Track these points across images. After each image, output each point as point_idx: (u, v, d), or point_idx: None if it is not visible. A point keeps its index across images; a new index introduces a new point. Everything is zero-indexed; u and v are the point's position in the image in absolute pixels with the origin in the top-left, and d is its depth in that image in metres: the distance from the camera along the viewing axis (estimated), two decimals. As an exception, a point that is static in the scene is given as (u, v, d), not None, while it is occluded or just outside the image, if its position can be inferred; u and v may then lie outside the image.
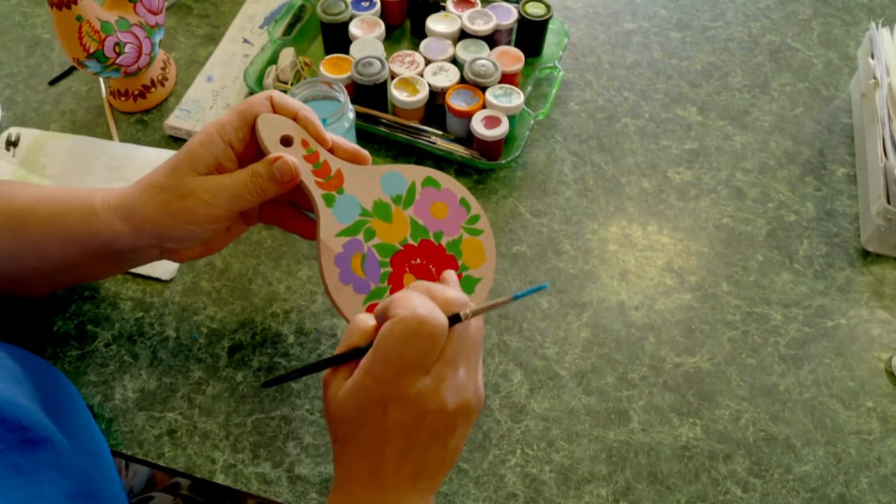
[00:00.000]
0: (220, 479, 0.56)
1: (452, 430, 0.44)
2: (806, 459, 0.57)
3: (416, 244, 0.54)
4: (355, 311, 0.52)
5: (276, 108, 0.51)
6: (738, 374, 0.61)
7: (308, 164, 0.52)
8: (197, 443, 0.57)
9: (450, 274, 0.50)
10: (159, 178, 0.50)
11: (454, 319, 0.43)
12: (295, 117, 0.52)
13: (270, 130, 0.51)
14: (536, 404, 0.59)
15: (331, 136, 0.53)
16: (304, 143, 0.52)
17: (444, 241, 0.54)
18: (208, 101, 0.76)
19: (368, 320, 0.45)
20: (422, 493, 0.44)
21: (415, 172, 0.54)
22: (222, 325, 0.63)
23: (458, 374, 0.43)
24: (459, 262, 0.54)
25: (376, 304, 0.52)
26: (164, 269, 0.65)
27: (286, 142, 0.51)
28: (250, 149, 0.52)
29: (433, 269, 0.54)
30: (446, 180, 0.55)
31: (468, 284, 0.54)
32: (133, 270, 0.65)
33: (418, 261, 0.54)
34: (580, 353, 0.62)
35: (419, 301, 0.42)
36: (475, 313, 0.44)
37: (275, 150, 0.50)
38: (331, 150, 0.53)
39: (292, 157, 0.50)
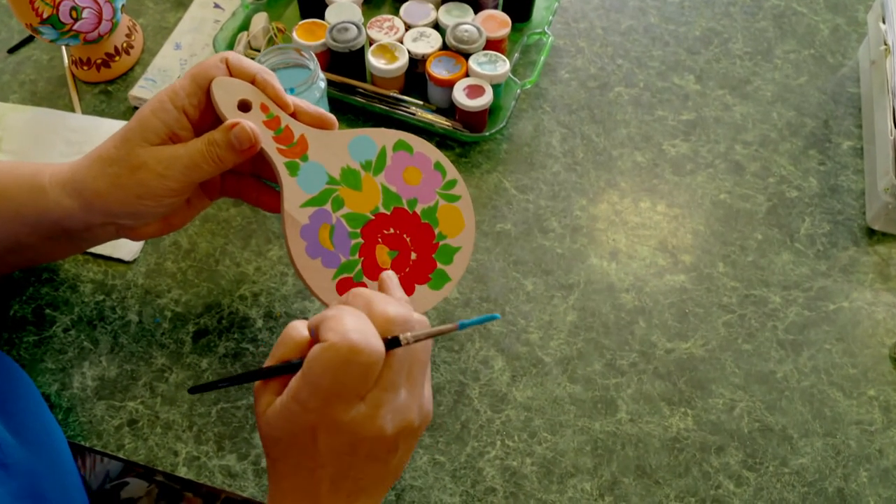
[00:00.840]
0: (182, 472, 0.53)
1: (394, 451, 0.40)
2: (803, 451, 0.54)
3: (388, 213, 0.50)
4: (324, 287, 0.49)
5: (232, 71, 0.47)
6: (734, 360, 0.58)
7: (269, 130, 0.48)
8: (159, 434, 0.54)
9: (390, 277, 0.45)
10: (109, 149, 0.46)
11: (393, 343, 0.38)
12: (253, 80, 0.48)
13: (226, 95, 0.47)
14: (518, 393, 0.56)
15: (293, 99, 0.49)
16: (264, 108, 0.48)
17: (418, 209, 0.51)
18: (176, 70, 0.72)
19: (302, 331, 0.41)
20: None
21: (385, 136, 0.51)
22: (187, 308, 0.60)
23: (398, 397, 0.39)
24: (436, 231, 0.51)
25: (348, 279, 0.49)
26: (126, 249, 0.62)
27: (244, 107, 0.47)
28: (207, 116, 0.48)
29: (407, 239, 0.50)
30: (419, 143, 0.51)
31: (446, 254, 0.51)
32: (94, 251, 0.62)
33: (391, 230, 0.50)
34: (566, 338, 0.59)
35: (353, 323, 0.38)
36: (417, 339, 0.39)
37: (232, 116, 0.47)
38: (293, 115, 0.49)
39: (251, 123, 0.46)
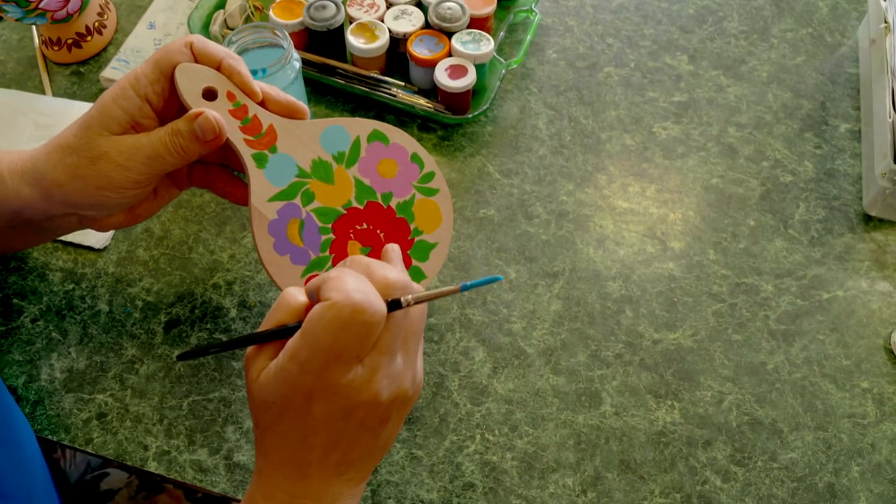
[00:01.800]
0: (152, 466, 0.51)
1: (386, 421, 0.39)
2: (793, 446, 0.52)
3: (361, 207, 0.48)
4: (293, 285, 0.47)
5: (197, 56, 0.45)
6: (723, 351, 0.56)
7: (235, 119, 0.46)
8: (128, 427, 0.53)
9: (393, 249, 0.44)
10: (69, 138, 0.44)
11: (393, 305, 0.38)
12: (219, 66, 0.45)
13: (190, 82, 0.45)
14: (499, 385, 0.54)
15: (262, 86, 0.47)
16: (231, 96, 0.46)
17: (393, 203, 0.48)
18: (149, 50, 0.69)
19: (298, 296, 0.40)
20: (349, 483, 0.40)
21: (359, 126, 0.48)
22: (159, 297, 0.58)
23: (394, 362, 0.38)
24: (412, 226, 0.49)
25: (316, 276, 0.47)
26: (96, 237, 0.60)
27: (209, 95, 0.45)
28: (171, 104, 0.46)
29: (381, 235, 0.48)
30: (396, 134, 0.49)
31: (422, 251, 0.49)
32: (63, 238, 0.60)
33: (364, 226, 0.48)
34: (549, 328, 0.57)
35: (355, 284, 0.37)
36: (418, 301, 0.38)
37: (196, 105, 0.45)
38: (262, 104, 0.47)
39: (215, 113, 0.44)
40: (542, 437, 0.52)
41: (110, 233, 0.60)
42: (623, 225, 0.62)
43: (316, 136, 0.47)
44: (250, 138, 0.46)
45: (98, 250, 0.60)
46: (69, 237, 0.60)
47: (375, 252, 0.48)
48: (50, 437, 0.52)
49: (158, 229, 0.61)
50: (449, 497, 0.50)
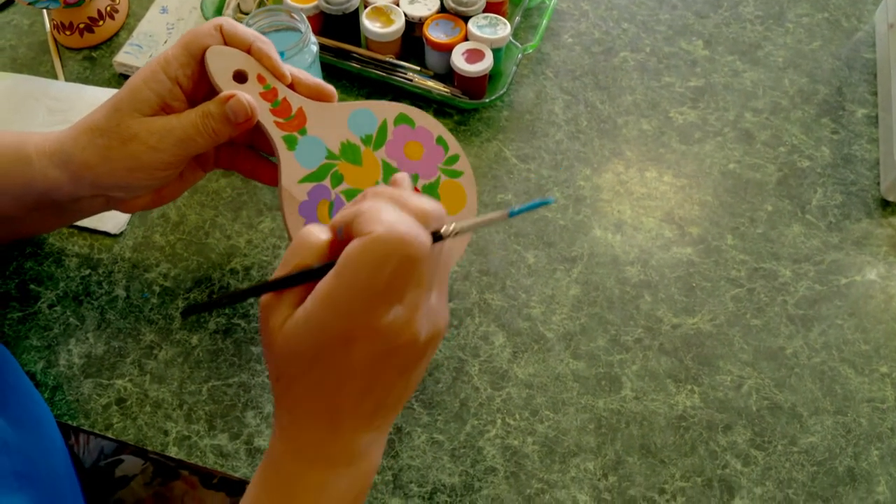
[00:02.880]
0: (172, 451, 0.51)
1: (419, 361, 0.37)
2: (813, 430, 0.53)
3: None
4: None
5: (226, 39, 0.45)
6: (742, 336, 0.56)
7: (266, 102, 0.46)
8: (148, 413, 0.53)
9: (404, 177, 0.41)
10: (99, 120, 0.44)
11: (435, 237, 0.35)
12: (248, 49, 0.45)
13: (221, 65, 0.45)
14: (519, 370, 0.54)
15: (290, 69, 0.47)
16: (261, 79, 0.46)
17: (419, 185, 0.48)
18: (162, 34, 0.69)
19: (321, 234, 0.36)
20: (377, 432, 0.38)
21: (386, 109, 0.48)
22: (176, 283, 0.58)
23: (430, 299, 0.36)
24: None
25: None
26: (112, 222, 0.59)
27: (240, 77, 0.45)
28: (201, 86, 0.46)
29: None
30: (421, 117, 0.49)
31: None
32: (79, 224, 0.60)
33: None
34: (569, 312, 0.57)
35: (395, 215, 0.34)
36: (463, 230, 0.35)
37: (227, 88, 0.45)
38: (291, 86, 0.47)
39: (247, 95, 0.44)
40: (562, 421, 0.52)
41: (126, 218, 0.60)
42: (641, 210, 0.62)
43: (344, 119, 0.47)
44: (280, 120, 0.46)
45: (114, 236, 0.60)
46: (85, 222, 0.59)
47: None
48: (70, 422, 0.52)
49: (174, 215, 0.61)
50: (470, 481, 0.50)
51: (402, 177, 0.41)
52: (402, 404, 0.39)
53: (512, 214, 0.36)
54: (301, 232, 0.37)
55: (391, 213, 0.34)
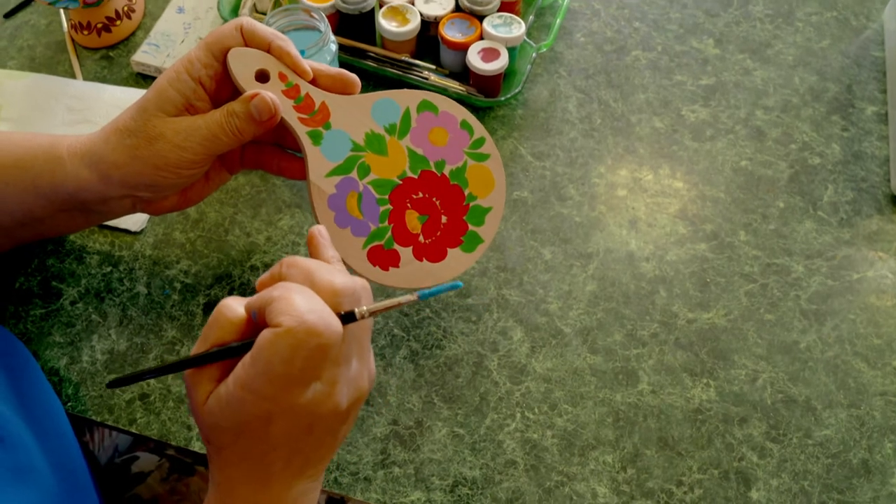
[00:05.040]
0: (196, 446, 0.52)
1: (346, 422, 0.39)
2: (827, 423, 0.53)
3: (416, 176, 0.49)
4: (356, 256, 0.48)
5: (246, 39, 0.46)
6: (756, 330, 0.57)
7: (288, 99, 0.47)
8: (171, 408, 0.53)
9: (320, 231, 0.42)
10: (126, 121, 0.46)
11: (348, 317, 0.36)
12: (268, 48, 0.46)
13: (243, 66, 0.46)
14: (538, 364, 0.55)
15: (311, 64, 0.48)
16: (282, 77, 0.46)
17: (446, 171, 0.49)
18: (179, 34, 0.69)
19: (238, 308, 0.38)
20: (311, 479, 0.40)
21: (408, 97, 0.49)
22: (197, 279, 0.58)
23: (350, 369, 0.38)
24: (466, 192, 0.50)
25: (378, 247, 0.48)
26: (133, 219, 0.60)
27: (262, 77, 0.46)
28: (224, 86, 0.47)
29: (437, 202, 0.49)
30: (444, 102, 0.50)
31: (477, 215, 0.50)
32: (100, 221, 0.60)
33: (420, 195, 0.49)
34: (585, 308, 0.57)
35: (305, 303, 0.35)
36: (372, 313, 0.37)
37: (250, 87, 0.46)
38: (313, 82, 0.47)
39: (270, 94, 0.45)
40: (581, 414, 0.53)
41: (146, 216, 0.61)
42: (655, 207, 0.62)
43: (367, 110, 0.48)
44: (304, 116, 0.47)
45: (135, 233, 0.60)
46: (105, 220, 0.60)
47: (433, 219, 0.49)
48: (94, 417, 0.53)
49: (194, 212, 0.61)
50: (491, 474, 0.51)
51: (320, 231, 0.42)
52: (333, 453, 0.41)
53: (422, 297, 0.37)
54: (218, 307, 0.38)
55: (301, 301, 0.35)
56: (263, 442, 0.37)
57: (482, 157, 0.50)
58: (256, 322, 0.37)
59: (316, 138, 0.47)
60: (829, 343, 0.56)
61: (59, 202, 0.48)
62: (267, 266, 0.59)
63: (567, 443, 0.52)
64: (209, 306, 0.57)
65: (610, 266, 0.59)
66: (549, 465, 0.51)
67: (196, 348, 0.38)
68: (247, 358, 0.35)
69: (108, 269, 0.59)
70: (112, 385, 0.41)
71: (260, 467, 0.38)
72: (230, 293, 0.57)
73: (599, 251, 0.60)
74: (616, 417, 0.53)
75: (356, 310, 0.37)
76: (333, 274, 0.38)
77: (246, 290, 0.58)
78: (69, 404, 0.53)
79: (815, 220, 0.62)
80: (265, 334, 0.35)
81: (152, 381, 0.54)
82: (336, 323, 0.35)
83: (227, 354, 0.37)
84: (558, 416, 0.53)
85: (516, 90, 0.64)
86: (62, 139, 0.47)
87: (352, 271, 0.47)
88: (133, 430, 0.53)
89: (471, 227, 0.49)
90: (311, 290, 0.36)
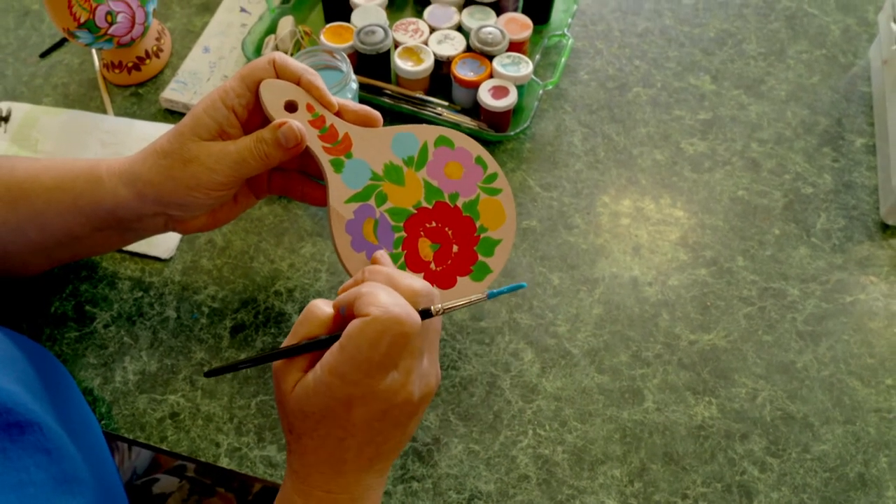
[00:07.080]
0: (224, 462, 0.55)
1: (414, 415, 0.44)
2: (824, 438, 0.56)
3: (430, 207, 0.52)
4: None
5: (278, 72, 0.50)
6: (755, 351, 0.60)
7: (314, 129, 0.50)
8: (200, 426, 0.56)
9: (382, 255, 0.48)
10: (163, 143, 0.49)
11: (424, 313, 0.42)
12: (298, 80, 0.50)
13: (274, 96, 0.49)
14: (548, 383, 0.58)
15: (338, 99, 0.51)
16: (310, 108, 0.50)
17: (460, 203, 0.52)
18: (205, 72, 0.73)
19: (325, 308, 0.43)
20: (379, 473, 0.44)
21: (427, 132, 0.53)
22: (224, 304, 0.61)
23: (422, 363, 0.43)
24: (477, 224, 0.53)
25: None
26: (162, 247, 0.63)
27: (291, 107, 0.50)
28: (255, 115, 0.50)
29: (449, 232, 0.52)
30: (460, 138, 0.53)
31: (487, 246, 0.53)
32: (130, 249, 0.64)
33: (433, 224, 0.52)
34: (592, 330, 0.60)
35: (389, 297, 0.40)
36: (447, 310, 0.42)
37: (279, 116, 0.49)
38: (338, 114, 0.51)
39: (297, 123, 0.48)
40: (590, 431, 0.56)
41: (175, 244, 0.64)
42: (657, 234, 0.66)
43: (387, 142, 0.51)
44: (328, 145, 0.50)
45: (164, 260, 0.63)
46: (136, 248, 0.63)
47: (445, 248, 0.52)
48: (126, 435, 0.56)
49: (220, 240, 0.65)
50: (505, 488, 0.54)
51: (382, 254, 0.48)
52: (401, 450, 0.46)
53: (490, 296, 0.43)
54: (309, 306, 0.43)
55: (386, 296, 0.40)
56: (342, 427, 0.41)
57: (494, 192, 0.53)
58: (344, 316, 0.42)
59: (338, 166, 0.50)
60: (824, 363, 0.59)
61: (98, 220, 0.51)
62: (290, 291, 0.62)
63: (577, 458, 0.55)
64: (236, 329, 0.60)
65: (615, 291, 0.62)
66: (560, 479, 0.54)
67: (286, 343, 0.43)
68: (335, 346, 0.40)
69: (139, 294, 0.62)
70: (209, 374, 0.46)
71: (336, 454, 0.42)
72: (255, 317, 0.61)
73: (605, 276, 0.63)
74: (623, 434, 0.56)
75: (432, 307, 0.42)
76: (412, 278, 0.43)
77: (271, 313, 0.61)
78: (103, 422, 0.56)
79: (809, 247, 0.65)
80: (354, 323, 0.39)
81: (181, 400, 0.57)
82: (416, 315, 0.40)
83: (316, 346, 0.42)
84: (568, 433, 0.56)
85: (524, 125, 0.68)
86: (101, 161, 0.51)
87: None
88: (164, 448, 0.55)
89: (480, 258, 0.52)
90: (392, 288, 0.42)
